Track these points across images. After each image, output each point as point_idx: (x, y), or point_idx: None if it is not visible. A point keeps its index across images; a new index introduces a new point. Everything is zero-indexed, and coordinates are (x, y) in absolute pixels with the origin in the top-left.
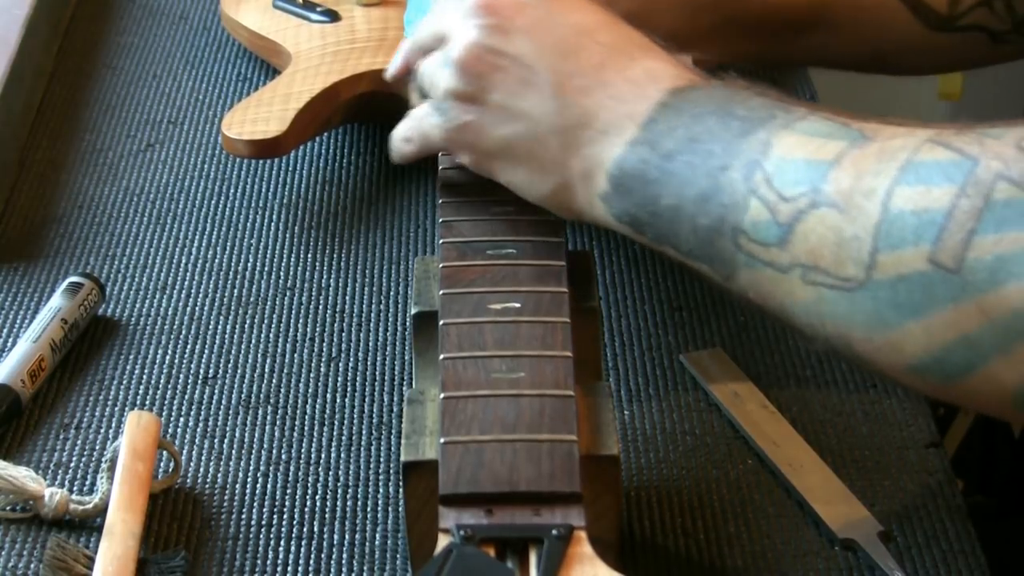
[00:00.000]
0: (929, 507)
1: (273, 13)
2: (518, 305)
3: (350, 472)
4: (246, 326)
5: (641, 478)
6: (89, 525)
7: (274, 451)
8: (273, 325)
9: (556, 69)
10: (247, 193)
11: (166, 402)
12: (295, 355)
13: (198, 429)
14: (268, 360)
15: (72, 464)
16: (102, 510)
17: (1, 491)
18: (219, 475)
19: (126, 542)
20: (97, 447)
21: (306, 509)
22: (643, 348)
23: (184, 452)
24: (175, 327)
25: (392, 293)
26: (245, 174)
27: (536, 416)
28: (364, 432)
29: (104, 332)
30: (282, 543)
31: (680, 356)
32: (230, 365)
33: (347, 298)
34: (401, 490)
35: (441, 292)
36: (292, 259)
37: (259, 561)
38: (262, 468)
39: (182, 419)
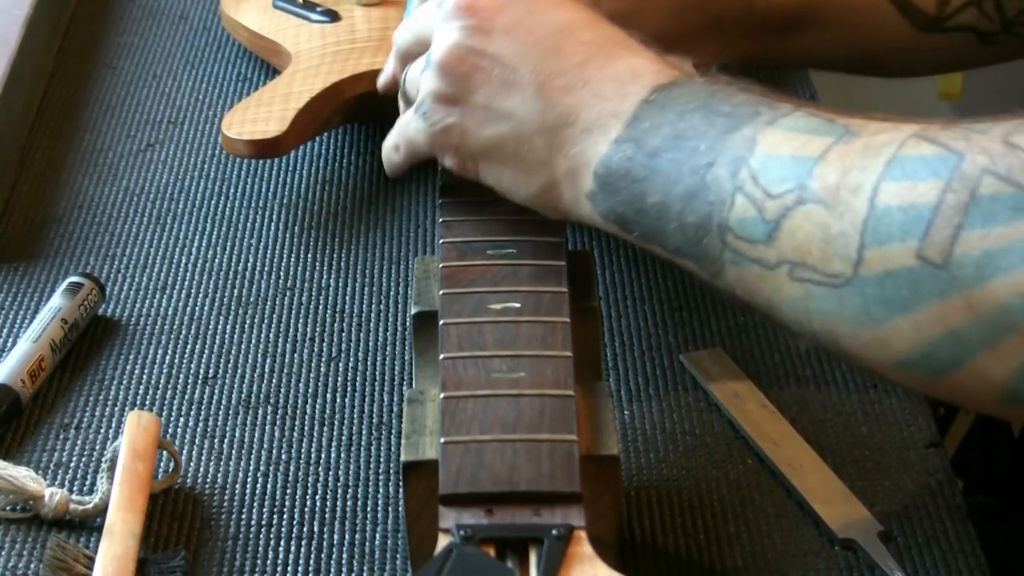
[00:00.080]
0: (929, 507)
1: (273, 13)
2: (518, 305)
3: (350, 472)
4: (246, 326)
5: (641, 478)
6: (89, 525)
7: (274, 451)
8: (273, 325)
9: (538, 68)
10: (247, 193)
11: (166, 402)
12: (295, 355)
13: (198, 429)
14: (268, 360)
15: (72, 464)
16: (102, 510)
17: (1, 491)
18: (219, 475)
19: (126, 542)
20: (97, 447)
21: (306, 509)
22: (643, 348)
23: (184, 452)
24: (175, 327)
25: (392, 293)
26: (245, 174)
27: (536, 416)
28: (364, 432)
29: (104, 332)
30: (282, 543)
31: (680, 356)
32: (230, 365)
33: (347, 298)
34: (401, 490)
35: (441, 292)
36: (292, 259)
37: (259, 561)
38: (262, 468)
39: (182, 419)
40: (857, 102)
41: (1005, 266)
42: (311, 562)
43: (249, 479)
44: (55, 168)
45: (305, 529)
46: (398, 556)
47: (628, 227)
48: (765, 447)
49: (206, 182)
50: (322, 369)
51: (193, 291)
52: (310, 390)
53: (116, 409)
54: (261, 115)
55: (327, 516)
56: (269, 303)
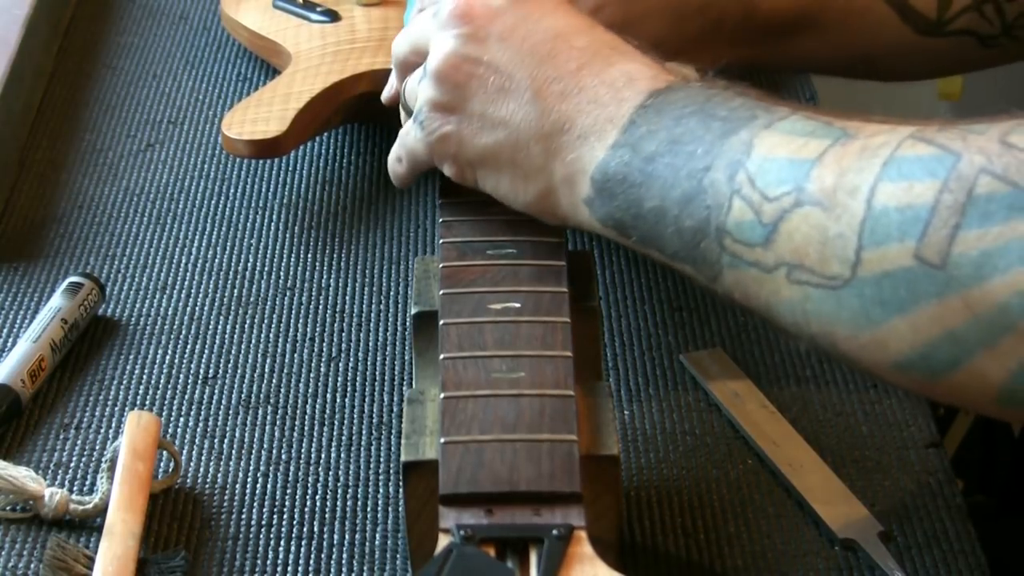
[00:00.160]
0: (929, 507)
1: (273, 13)
2: (518, 305)
3: (350, 472)
4: (246, 326)
5: (641, 478)
6: (89, 525)
7: (274, 451)
8: (273, 325)
9: (533, 75)
10: (247, 193)
11: (166, 402)
12: (295, 355)
13: (198, 429)
14: (268, 360)
15: (72, 464)
16: (102, 510)
17: (1, 491)
18: (219, 475)
19: (126, 542)
20: (97, 447)
21: (306, 509)
22: (643, 348)
23: (184, 452)
24: (175, 327)
25: (392, 293)
26: (245, 174)
27: (536, 416)
28: (364, 432)
29: (104, 332)
30: (282, 543)
31: (680, 356)
32: (230, 365)
33: (347, 298)
34: (401, 490)
35: (441, 292)
36: (292, 259)
37: (259, 561)
38: (262, 468)
39: (182, 419)
40: (857, 102)
41: (1003, 266)
42: (311, 562)
43: (249, 479)
44: (55, 168)
45: (305, 529)
46: (398, 556)
47: (626, 232)
48: (765, 447)
49: (206, 182)
50: (322, 369)
51: (193, 291)
52: (310, 390)
53: (116, 409)
54: (261, 115)
55: (327, 516)
56: (269, 303)
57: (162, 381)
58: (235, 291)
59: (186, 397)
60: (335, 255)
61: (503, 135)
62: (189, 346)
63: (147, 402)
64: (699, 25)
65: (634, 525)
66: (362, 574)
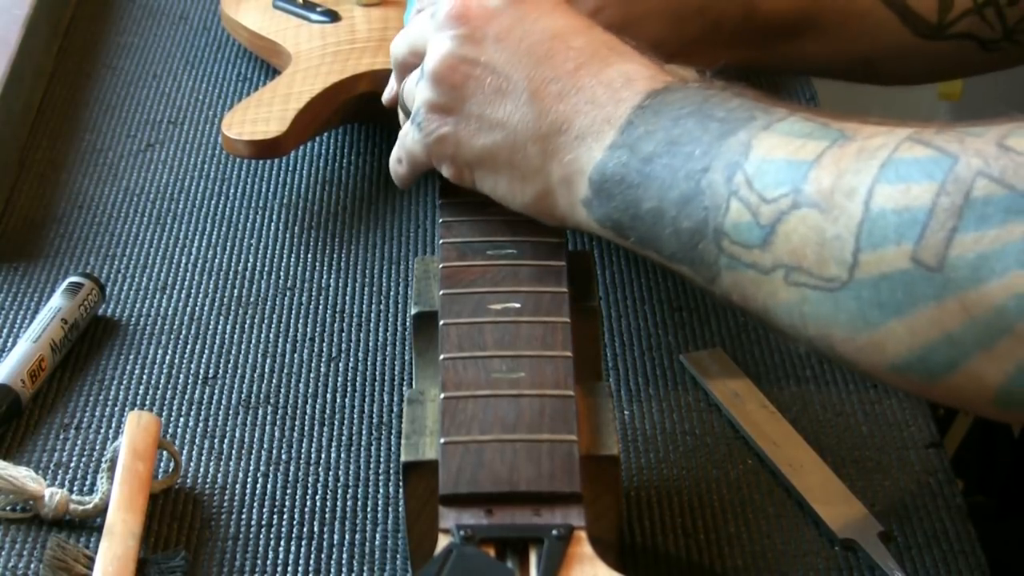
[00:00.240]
0: (929, 507)
1: (273, 13)
2: (518, 305)
3: (350, 472)
4: (246, 326)
5: (641, 478)
6: (89, 525)
7: (274, 451)
8: (273, 325)
9: (531, 76)
10: (247, 193)
11: (166, 402)
12: (295, 355)
13: (198, 429)
14: (268, 360)
15: (72, 464)
16: (102, 510)
17: (1, 491)
18: (219, 475)
19: (126, 542)
20: (97, 447)
21: (306, 509)
22: (643, 348)
23: (184, 452)
24: (175, 327)
25: (392, 293)
26: (245, 174)
27: (536, 416)
28: (364, 432)
29: (104, 332)
30: (282, 543)
31: (680, 356)
32: (230, 365)
33: (347, 298)
34: (401, 490)
35: (441, 292)
36: (292, 259)
37: (259, 561)
38: (262, 468)
39: (182, 419)
40: (857, 102)
41: (999, 268)
42: (311, 562)
43: (249, 479)
44: (55, 168)
45: (305, 529)
46: (398, 556)
47: (624, 233)
48: (765, 447)
49: (206, 182)
50: (322, 369)
51: (193, 291)
52: (310, 390)
53: (116, 409)
54: (261, 115)
55: (327, 516)
56: (269, 303)
57: (162, 381)
58: (235, 291)
59: (186, 397)
60: (335, 255)
61: (500, 136)
62: (189, 346)
63: (147, 402)
64: (698, 26)
65: (634, 525)
66: (362, 574)
